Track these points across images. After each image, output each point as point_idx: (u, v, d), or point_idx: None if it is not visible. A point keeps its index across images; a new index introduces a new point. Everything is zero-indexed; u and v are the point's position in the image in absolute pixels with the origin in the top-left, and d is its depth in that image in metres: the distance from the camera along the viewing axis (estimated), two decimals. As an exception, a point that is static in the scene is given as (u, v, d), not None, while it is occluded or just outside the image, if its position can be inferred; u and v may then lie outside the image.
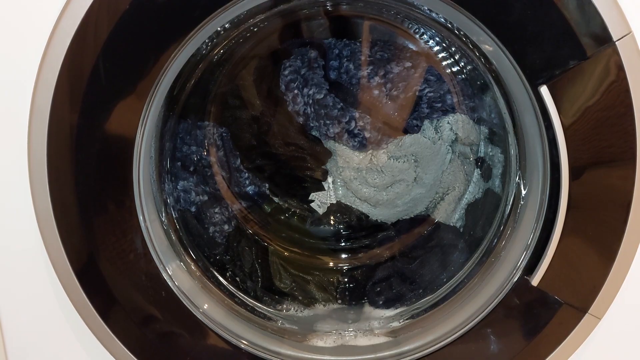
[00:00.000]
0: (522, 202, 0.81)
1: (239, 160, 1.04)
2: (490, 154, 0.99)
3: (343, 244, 1.11)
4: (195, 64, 0.87)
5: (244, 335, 0.83)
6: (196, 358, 0.79)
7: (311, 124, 1.01)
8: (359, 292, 1.01)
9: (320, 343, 0.86)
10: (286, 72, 0.98)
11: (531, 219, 0.77)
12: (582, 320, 0.75)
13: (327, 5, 0.94)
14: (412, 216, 1.08)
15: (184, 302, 0.79)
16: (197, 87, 0.92)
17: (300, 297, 0.99)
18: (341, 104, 0.99)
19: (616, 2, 0.64)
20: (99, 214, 0.72)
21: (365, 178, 1.05)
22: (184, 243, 0.87)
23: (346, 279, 1.05)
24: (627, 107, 0.66)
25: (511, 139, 0.85)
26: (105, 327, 0.75)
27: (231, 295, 0.89)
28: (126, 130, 0.70)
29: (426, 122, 1.01)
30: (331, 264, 1.08)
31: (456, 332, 0.81)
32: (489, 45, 0.72)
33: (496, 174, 0.96)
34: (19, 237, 0.75)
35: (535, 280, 0.75)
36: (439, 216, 1.06)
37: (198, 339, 0.80)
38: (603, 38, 0.64)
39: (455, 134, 1.00)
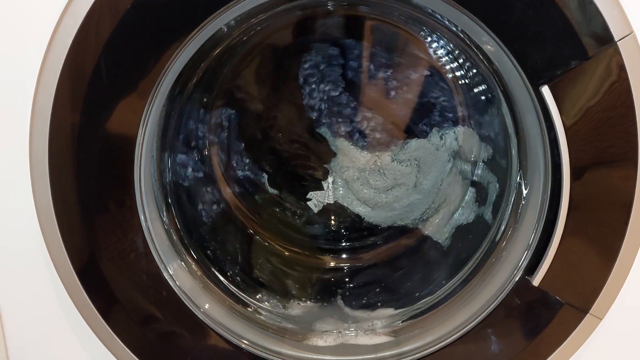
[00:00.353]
0: (523, 202, 0.81)
1: (242, 145, 1.03)
2: (488, 181, 0.98)
3: (331, 244, 1.11)
4: (199, 62, 0.87)
5: (245, 335, 0.82)
6: (197, 358, 0.79)
7: (323, 120, 1.01)
8: (334, 292, 1.01)
9: (320, 343, 0.86)
10: (306, 66, 0.99)
11: (532, 219, 0.77)
12: (583, 321, 0.75)
13: (329, 6, 0.94)
14: (405, 223, 1.08)
15: (185, 302, 0.79)
16: (200, 83, 0.92)
17: (276, 289, 0.98)
18: (355, 102, 0.99)
19: (618, 2, 0.64)
20: (100, 214, 0.72)
21: (367, 179, 1.05)
22: (185, 243, 0.87)
23: (326, 277, 1.04)
24: (629, 107, 0.66)
25: (513, 141, 0.85)
26: (106, 326, 0.75)
27: (232, 295, 0.89)
28: (127, 129, 0.70)
29: (433, 130, 1.01)
30: (315, 262, 1.08)
31: (457, 332, 0.80)
32: (491, 45, 0.72)
33: (490, 201, 0.95)
34: (20, 237, 0.75)
35: (536, 281, 0.75)
36: (429, 229, 1.05)
37: (199, 338, 0.80)
38: (604, 38, 0.64)
39: (460, 145, 1.00)
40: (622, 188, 0.70)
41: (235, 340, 0.81)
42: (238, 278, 0.95)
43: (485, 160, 0.99)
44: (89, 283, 0.73)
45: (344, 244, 1.11)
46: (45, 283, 0.77)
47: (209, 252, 0.93)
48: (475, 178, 1.01)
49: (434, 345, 0.81)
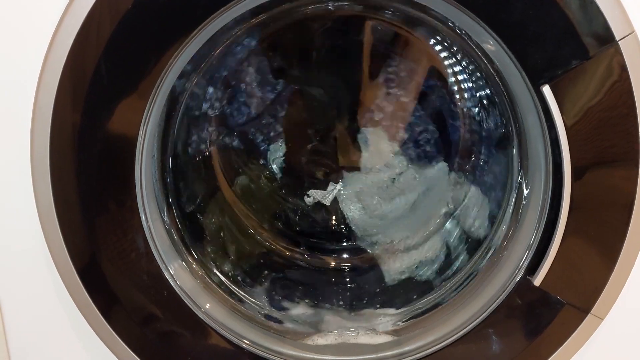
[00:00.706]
0: (524, 202, 0.81)
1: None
2: (459, 254, 0.97)
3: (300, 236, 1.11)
4: (200, 62, 0.87)
5: (246, 335, 0.83)
6: (198, 357, 0.80)
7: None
8: (257, 277, 1.00)
9: (321, 342, 0.86)
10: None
11: (533, 219, 0.77)
12: (584, 321, 0.75)
13: (330, 6, 0.94)
14: (381, 240, 1.08)
15: (186, 302, 0.79)
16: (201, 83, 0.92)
17: (216, 248, 0.97)
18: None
19: (619, 2, 0.64)
20: (101, 214, 0.72)
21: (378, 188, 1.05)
22: (186, 243, 0.87)
23: (262, 262, 1.04)
24: (630, 107, 0.66)
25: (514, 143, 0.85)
26: (107, 326, 0.75)
27: (233, 295, 0.89)
28: (128, 129, 0.70)
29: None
30: (269, 245, 1.08)
31: (458, 332, 0.80)
32: (491, 45, 0.72)
33: (447, 275, 0.95)
34: (21, 237, 0.75)
35: (537, 281, 0.75)
36: (381, 257, 1.05)
37: (200, 338, 0.80)
38: (605, 38, 0.64)
39: (464, 203, 1.00)
40: (623, 188, 0.70)
41: (236, 340, 0.81)
42: (239, 278, 0.95)
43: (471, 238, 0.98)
44: (90, 283, 0.74)
45: (312, 239, 1.11)
46: (47, 283, 0.77)
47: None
48: (451, 243, 1.00)
49: (435, 345, 0.81)
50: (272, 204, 1.11)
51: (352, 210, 1.08)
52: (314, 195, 1.09)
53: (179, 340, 0.79)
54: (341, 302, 0.97)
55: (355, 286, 1.04)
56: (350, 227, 1.09)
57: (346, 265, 1.08)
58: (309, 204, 1.09)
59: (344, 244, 1.10)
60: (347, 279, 1.05)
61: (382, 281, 1.01)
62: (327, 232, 1.12)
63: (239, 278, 0.94)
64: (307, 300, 0.95)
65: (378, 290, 1.00)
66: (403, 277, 1.01)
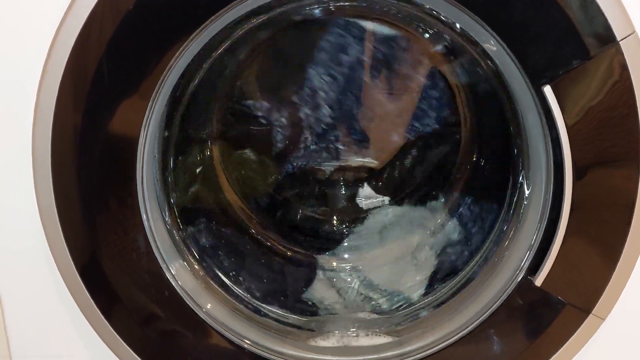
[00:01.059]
0: (525, 203, 0.81)
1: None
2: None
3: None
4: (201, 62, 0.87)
5: (247, 335, 0.83)
6: (198, 357, 0.80)
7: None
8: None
9: (322, 343, 0.86)
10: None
11: (534, 219, 0.77)
12: (585, 321, 0.75)
13: (331, 5, 0.94)
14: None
15: (187, 302, 0.79)
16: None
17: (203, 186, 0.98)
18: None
19: (620, 2, 0.64)
20: (101, 213, 0.72)
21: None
22: (187, 243, 0.87)
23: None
24: (631, 107, 0.66)
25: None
26: (108, 325, 0.75)
27: (234, 295, 0.89)
28: (129, 130, 0.70)
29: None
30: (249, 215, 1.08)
31: (459, 333, 0.80)
32: (492, 45, 0.72)
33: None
34: (22, 236, 0.75)
35: (538, 281, 0.75)
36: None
37: (201, 338, 0.80)
38: (606, 38, 0.64)
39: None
40: (624, 188, 0.69)
41: (237, 340, 0.81)
42: (241, 278, 0.95)
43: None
44: (91, 282, 0.74)
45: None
46: (47, 282, 0.77)
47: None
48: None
49: (435, 346, 0.81)
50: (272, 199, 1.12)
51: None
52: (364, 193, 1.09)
53: (179, 340, 0.79)
54: (340, 303, 0.98)
55: (354, 288, 1.04)
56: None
57: (347, 265, 1.08)
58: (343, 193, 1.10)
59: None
60: (349, 279, 1.06)
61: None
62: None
63: (240, 279, 0.94)
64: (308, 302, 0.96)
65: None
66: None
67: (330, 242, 1.09)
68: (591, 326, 0.75)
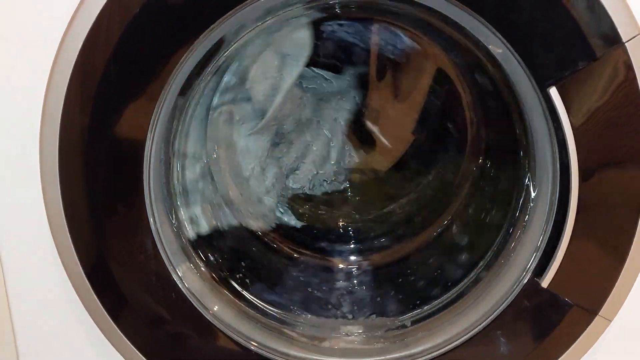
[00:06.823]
0: (531, 204, 0.81)
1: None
2: None
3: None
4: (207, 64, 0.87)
5: (254, 337, 0.82)
6: (206, 359, 0.80)
7: None
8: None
9: (329, 345, 0.86)
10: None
11: (541, 220, 0.77)
12: (592, 322, 0.75)
13: (337, 8, 0.94)
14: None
15: (194, 304, 0.79)
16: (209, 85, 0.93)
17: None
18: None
19: (625, 3, 0.64)
20: (109, 216, 0.72)
21: None
22: (194, 245, 0.87)
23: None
24: (637, 107, 0.66)
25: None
26: (115, 327, 0.76)
27: (241, 297, 0.89)
28: (136, 132, 0.70)
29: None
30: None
31: (465, 334, 0.80)
32: (497, 46, 0.72)
33: None
34: (30, 239, 0.76)
35: (545, 282, 0.75)
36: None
37: (208, 340, 0.80)
38: (612, 39, 0.64)
39: None
40: (631, 189, 0.69)
41: (244, 342, 0.81)
42: (247, 280, 0.95)
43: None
44: (98, 284, 0.74)
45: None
46: (55, 284, 0.77)
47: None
48: None
49: (442, 348, 0.81)
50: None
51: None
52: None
53: (187, 342, 0.79)
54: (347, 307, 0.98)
55: (360, 290, 1.04)
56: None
57: (354, 267, 1.08)
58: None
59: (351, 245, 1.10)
60: (355, 282, 1.05)
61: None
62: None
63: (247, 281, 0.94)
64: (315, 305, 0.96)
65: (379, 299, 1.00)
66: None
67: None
68: (598, 327, 0.75)
